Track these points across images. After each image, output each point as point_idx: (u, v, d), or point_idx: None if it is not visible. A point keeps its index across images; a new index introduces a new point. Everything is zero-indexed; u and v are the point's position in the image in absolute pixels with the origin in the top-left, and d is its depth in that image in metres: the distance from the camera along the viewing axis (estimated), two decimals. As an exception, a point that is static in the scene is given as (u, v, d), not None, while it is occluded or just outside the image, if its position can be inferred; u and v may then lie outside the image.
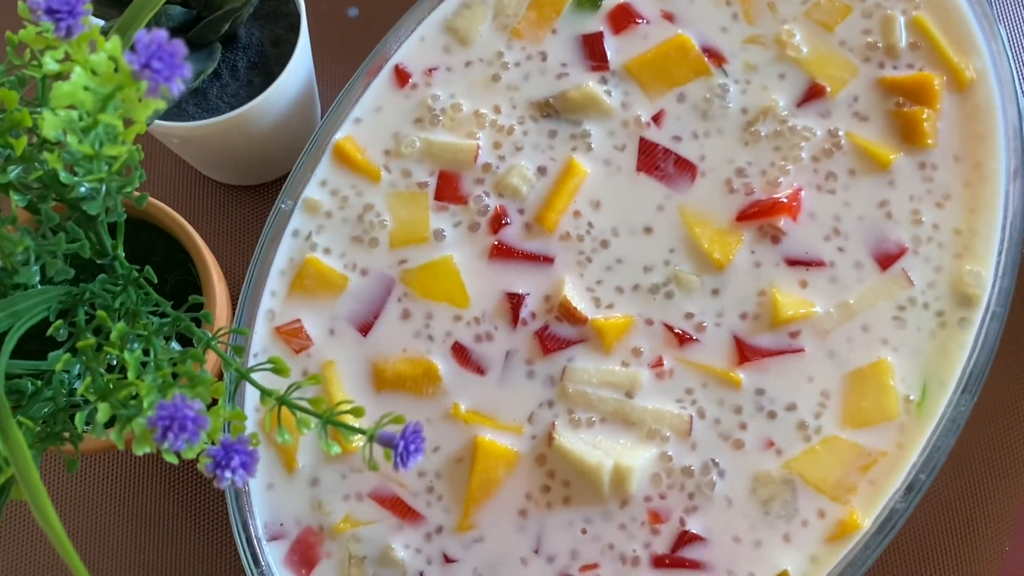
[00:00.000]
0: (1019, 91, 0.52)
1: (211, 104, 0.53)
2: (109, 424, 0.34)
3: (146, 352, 0.38)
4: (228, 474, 0.32)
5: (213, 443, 0.33)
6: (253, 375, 0.37)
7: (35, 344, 0.43)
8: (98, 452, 0.55)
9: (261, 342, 0.50)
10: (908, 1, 0.54)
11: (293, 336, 0.50)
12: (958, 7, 0.54)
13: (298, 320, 0.50)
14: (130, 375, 0.34)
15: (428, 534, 0.47)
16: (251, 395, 0.49)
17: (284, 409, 0.36)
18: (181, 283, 0.50)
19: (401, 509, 0.48)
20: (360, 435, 0.35)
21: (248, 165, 0.59)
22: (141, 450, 0.34)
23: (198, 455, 0.33)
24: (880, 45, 0.54)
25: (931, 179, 0.52)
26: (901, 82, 0.53)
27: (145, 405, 0.31)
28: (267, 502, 0.48)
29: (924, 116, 0.52)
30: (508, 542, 0.47)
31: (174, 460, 0.32)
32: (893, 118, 0.52)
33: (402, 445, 0.33)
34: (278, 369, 0.37)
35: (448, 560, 0.47)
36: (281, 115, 0.54)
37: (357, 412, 0.36)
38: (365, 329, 0.50)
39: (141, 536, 0.56)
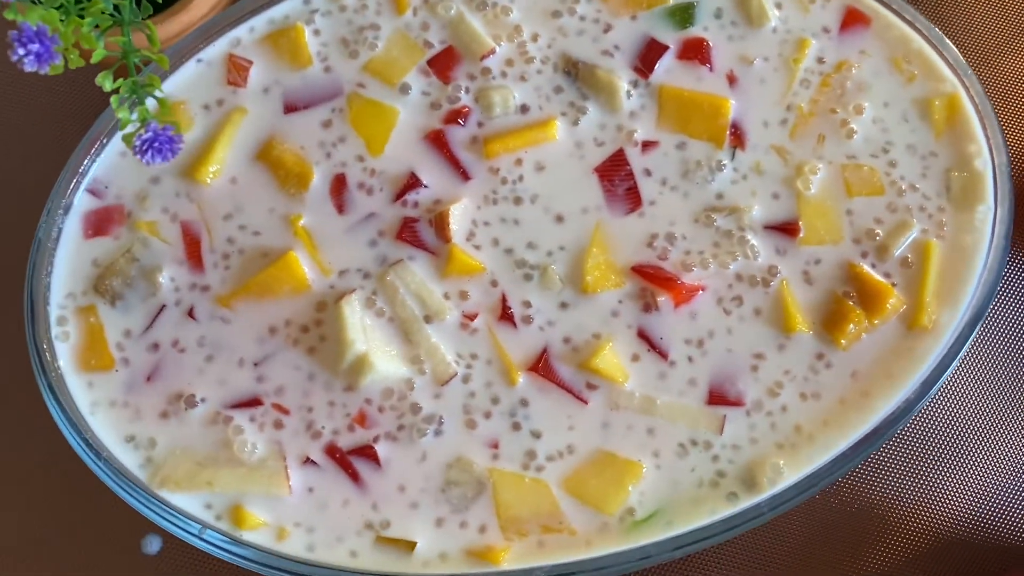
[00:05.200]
0: (949, 370, 0.49)
1: None
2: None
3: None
4: (22, 51, 0.35)
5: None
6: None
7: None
8: None
9: (215, 51, 0.53)
10: (937, 226, 0.52)
11: (239, 70, 0.53)
12: (971, 268, 0.51)
13: (251, 62, 0.53)
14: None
15: (194, 284, 0.50)
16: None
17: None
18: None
19: (194, 251, 0.50)
20: (139, 118, 0.37)
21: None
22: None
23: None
24: (878, 239, 0.52)
25: (817, 372, 0.50)
26: (867, 280, 0.51)
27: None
28: (111, 163, 0.51)
29: (856, 320, 0.50)
30: (243, 341, 0.49)
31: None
32: (832, 300, 0.51)
33: (152, 134, 0.36)
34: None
35: (190, 316, 0.50)
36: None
37: (162, 61, 0.38)
38: (289, 109, 0.53)
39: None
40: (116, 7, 0.41)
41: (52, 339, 0.48)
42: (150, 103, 0.40)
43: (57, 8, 0.39)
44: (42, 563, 0.54)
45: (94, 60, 0.39)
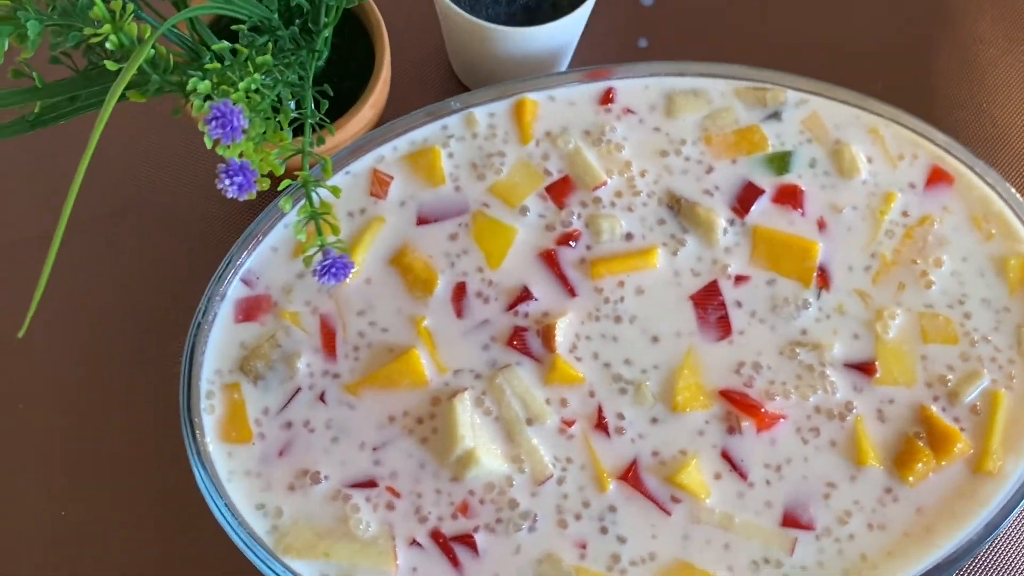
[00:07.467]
0: (1012, 516, 0.53)
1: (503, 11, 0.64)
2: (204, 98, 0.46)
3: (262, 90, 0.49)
4: (227, 182, 0.42)
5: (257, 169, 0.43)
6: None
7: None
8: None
9: (361, 165, 0.60)
10: (1007, 377, 0.56)
11: (381, 184, 0.60)
12: (1039, 418, 0.55)
13: (392, 177, 0.60)
14: (240, 86, 0.45)
15: (327, 371, 0.56)
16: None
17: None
18: (351, 89, 0.61)
19: (329, 342, 0.57)
20: (317, 243, 0.44)
21: (477, 70, 0.69)
22: (203, 126, 0.44)
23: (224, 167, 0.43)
24: (950, 385, 0.56)
25: (884, 504, 0.54)
26: (936, 423, 0.55)
27: (217, 98, 0.42)
28: (264, 256, 0.58)
29: (925, 459, 0.54)
30: (365, 427, 0.55)
31: (208, 143, 0.42)
32: (903, 440, 0.55)
33: (331, 261, 0.42)
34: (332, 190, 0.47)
35: (321, 399, 0.56)
36: (536, 48, 0.64)
37: (335, 192, 0.45)
38: (422, 222, 0.59)
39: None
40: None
41: (201, 411, 0.55)
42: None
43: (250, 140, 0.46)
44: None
45: (281, 188, 0.46)
